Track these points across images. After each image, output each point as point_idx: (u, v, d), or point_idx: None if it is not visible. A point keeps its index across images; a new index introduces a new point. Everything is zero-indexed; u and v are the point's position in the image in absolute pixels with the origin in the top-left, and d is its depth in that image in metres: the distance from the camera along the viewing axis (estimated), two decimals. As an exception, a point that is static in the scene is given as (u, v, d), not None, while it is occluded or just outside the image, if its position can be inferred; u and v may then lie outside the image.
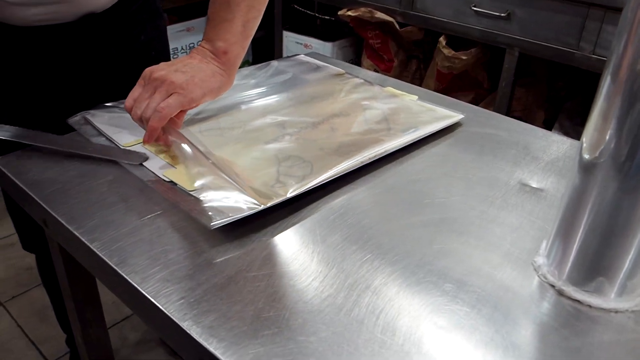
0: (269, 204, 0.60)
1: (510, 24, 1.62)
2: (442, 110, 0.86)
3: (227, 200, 0.61)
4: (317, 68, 1.02)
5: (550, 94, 1.87)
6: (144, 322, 0.55)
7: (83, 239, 0.57)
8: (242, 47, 0.75)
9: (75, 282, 0.82)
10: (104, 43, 0.89)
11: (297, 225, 0.61)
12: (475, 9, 1.66)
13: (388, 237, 0.59)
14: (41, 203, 0.62)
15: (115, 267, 0.53)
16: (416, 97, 0.91)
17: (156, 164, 0.69)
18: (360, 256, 0.56)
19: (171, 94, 0.69)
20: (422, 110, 0.85)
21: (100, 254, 0.55)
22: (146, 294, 0.50)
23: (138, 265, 0.53)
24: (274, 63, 1.03)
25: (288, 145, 0.73)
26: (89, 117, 0.79)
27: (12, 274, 1.74)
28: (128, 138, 0.75)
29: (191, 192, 0.63)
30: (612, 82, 0.47)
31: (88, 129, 0.77)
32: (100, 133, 0.76)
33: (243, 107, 0.84)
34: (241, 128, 0.78)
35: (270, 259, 0.55)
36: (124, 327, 1.57)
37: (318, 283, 0.52)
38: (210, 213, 0.58)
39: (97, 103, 0.83)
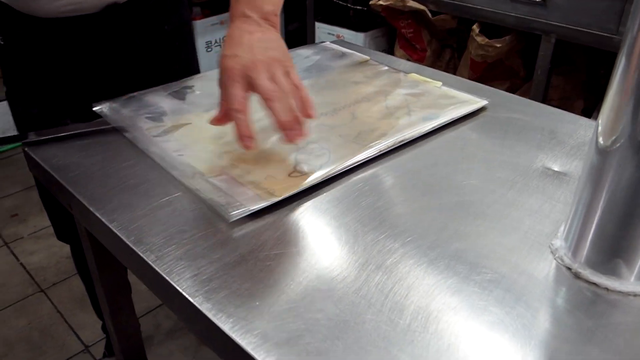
0: (284, 195, 0.61)
1: (546, 10, 1.58)
2: (465, 96, 0.84)
3: (243, 191, 0.62)
4: (343, 55, 1.02)
5: (590, 81, 1.82)
6: (159, 299, 0.56)
7: (103, 220, 0.59)
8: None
9: (105, 269, 0.84)
10: (127, 33, 0.91)
11: (311, 207, 0.61)
12: (509, -5, 1.62)
13: (402, 219, 0.59)
14: (66, 186, 0.65)
15: (132, 246, 0.55)
16: (440, 83, 0.89)
17: (174, 147, 0.71)
18: (373, 237, 0.56)
19: (286, 72, 0.64)
20: (445, 97, 0.84)
21: (118, 233, 0.56)
22: (160, 272, 0.51)
23: (154, 244, 0.55)
24: (299, 50, 1.04)
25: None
26: (115, 105, 0.82)
27: (53, 262, 1.80)
28: (148, 124, 0.77)
29: (209, 178, 0.64)
30: (627, 61, 0.45)
31: (118, 117, 0.79)
32: (129, 119, 0.78)
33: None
34: (262, 112, 0.78)
35: (282, 238, 0.56)
36: (158, 314, 1.61)
37: (329, 262, 0.53)
38: (228, 207, 0.59)
39: (123, 92, 0.85)
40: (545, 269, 0.53)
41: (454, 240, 0.56)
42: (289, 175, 0.65)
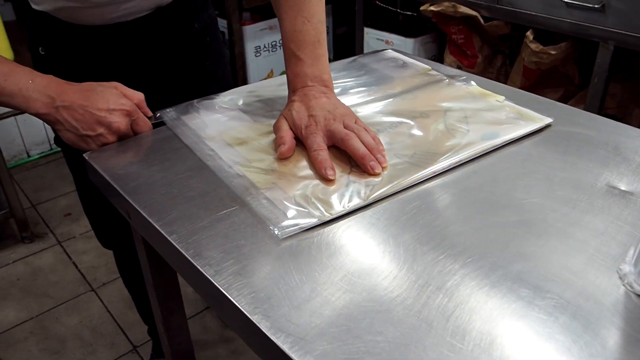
0: (335, 215, 0.61)
1: (605, 16, 1.53)
2: (528, 114, 0.81)
3: (295, 207, 0.62)
4: (403, 65, 1.00)
5: (649, 89, 1.75)
6: (216, 312, 0.56)
7: (162, 231, 0.59)
8: None
9: (158, 275, 0.86)
10: (166, 34, 0.95)
11: (367, 225, 0.60)
12: (566, 0, 1.58)
13: (462, 239, 0.58)
14: (125, 196, 0.66)
15: (191, 260, 0.55)
16: (503, 97, 0.87)
17: (230, 158, 0.71)
18: (432, 257, 0.55)
19: (354, 120, 0.75)
20: (507, 114, 0.81)
21: (177, 246, 0.57)
22: (219, 287, 0.52)
23: (212, 259, 0.55)
24: (360, 59, 1.03)
25: None
26: (174, 112, 0.83)
27: (102, 262, 1.85)
28: (211, 130, 0.79)
29: (262, 191, 0.65)
30: None
31: (177, 123, 0.81)
32: (188, 127, 0.80)
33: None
34: None
35: (340, 257, 0.55)
36: (206, 316, 1.63)
37: (388, 283, 0.52)
38: (279, 223, 0.59)
39: (162, 93, 0.87)
40: (612, 294, 0.51)
41: (516, 261, 0.55)
42: (341, 195, 0.64)
